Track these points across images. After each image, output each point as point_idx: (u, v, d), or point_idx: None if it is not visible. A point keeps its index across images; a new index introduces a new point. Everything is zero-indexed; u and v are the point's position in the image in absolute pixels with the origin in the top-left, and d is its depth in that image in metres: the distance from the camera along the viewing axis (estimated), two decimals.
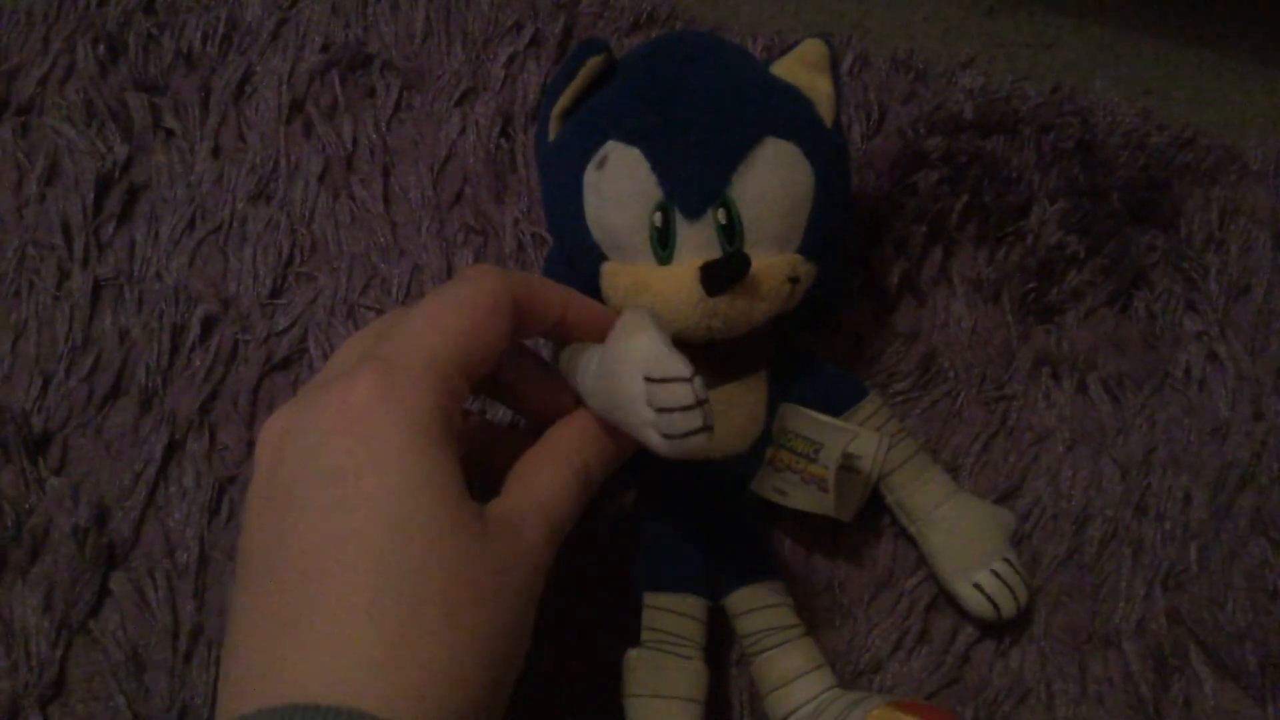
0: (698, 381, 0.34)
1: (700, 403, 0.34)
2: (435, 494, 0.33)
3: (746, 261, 0.41)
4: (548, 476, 0.37)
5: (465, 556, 0.33)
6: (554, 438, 0.39)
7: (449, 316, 0.36)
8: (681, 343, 0.44)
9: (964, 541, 0.48)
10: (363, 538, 0.31)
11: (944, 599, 0.50)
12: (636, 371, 0.35)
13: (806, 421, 0.46)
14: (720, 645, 0.48)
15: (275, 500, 0.34)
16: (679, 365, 0.34)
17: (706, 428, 0.34)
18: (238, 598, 0.34)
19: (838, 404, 0.49)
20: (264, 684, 0.30)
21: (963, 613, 0.49)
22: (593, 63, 0.45)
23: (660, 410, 0.34)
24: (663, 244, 0.43)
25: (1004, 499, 0.52)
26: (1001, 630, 0.49)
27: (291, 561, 0.32)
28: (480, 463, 0.39)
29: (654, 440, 0.35)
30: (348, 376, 0.34)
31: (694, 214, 0.43)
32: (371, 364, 0.34)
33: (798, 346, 0.50)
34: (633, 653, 0.45)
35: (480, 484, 0.37)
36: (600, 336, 0.43)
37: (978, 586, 0.47)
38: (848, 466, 0.46)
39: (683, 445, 0.35)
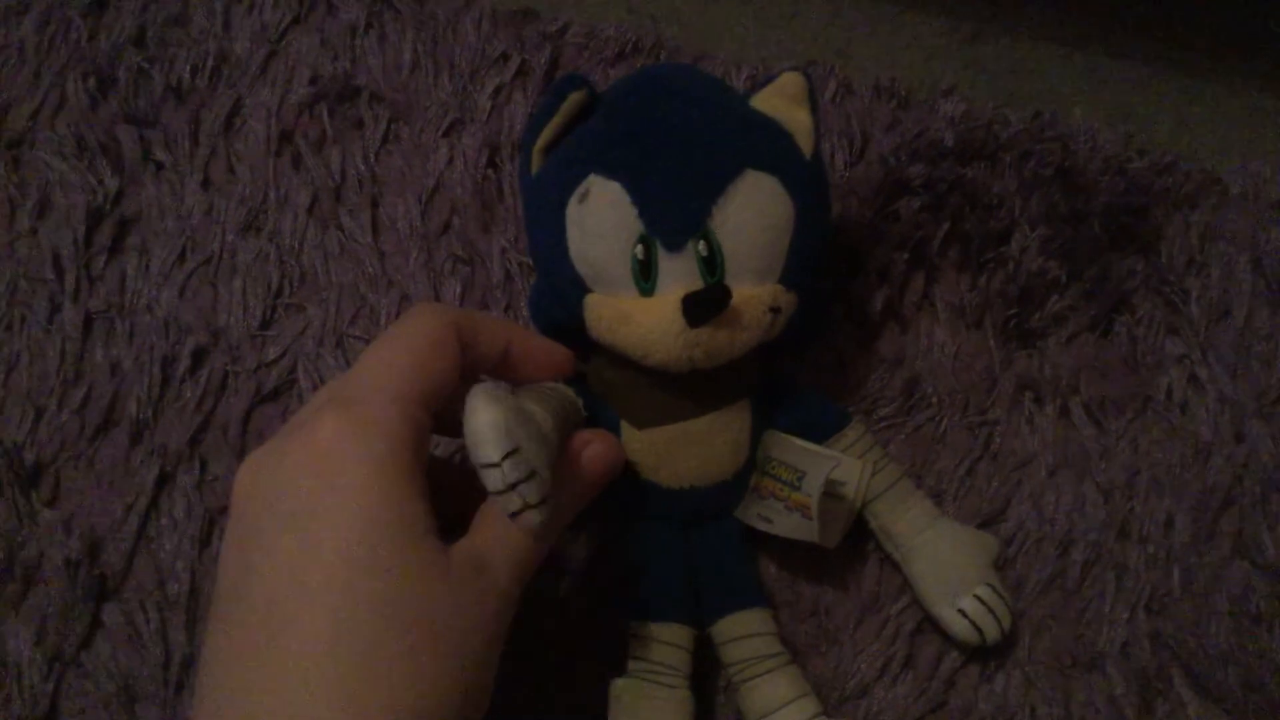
0: (509, 463, 0.34)
1: (512, 485, 0.34)
2: (398, 533, 0.33)
3: (727, 293, 0.42)
4: None
5: (429, 595, 0.33)
6: None
7: (398, 353, 0.37)
8: (665, 372, 0.45)
9: (948, 567, 0.48)
10: (324, 578, 0.32)
11: (929, 624, 0.50)
12: (473, 459, 0.35)
13: (790, 449, 0.47)
14: (706, 673, 0.48)
15: (244, 542, 0.35)
16: (489, 449, 0.34)
17: (528, 506, 0.35)
18: (207, 636, 0.34)
19: (821, 431, 0.49)
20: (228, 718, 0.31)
21: (948, 638, 0.49)
22: (573, 99, 0.46)
23: (491, 492, 0.35)
24: (645, 276, 0.44)
25: (987, 524, 0.53)
26: (986, 655, 0.50)
27: (256, 601, 0.33)
28: (450, 504, 0.40)
29: None
30: (312, 419, 0.35)
31: (675, 246, 0.43)
32: (333, 405, 0.35)
33: (781, 374, 0.50)
34: (618, 682, 0.46)
35: (451, 526, 0.37)
36: (544, 372, 0.43)
37: (962, 612, 0.47)
38: (832, 493, 0.46)
39: (518, 523, 0.36)
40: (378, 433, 0.34)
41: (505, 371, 0.43)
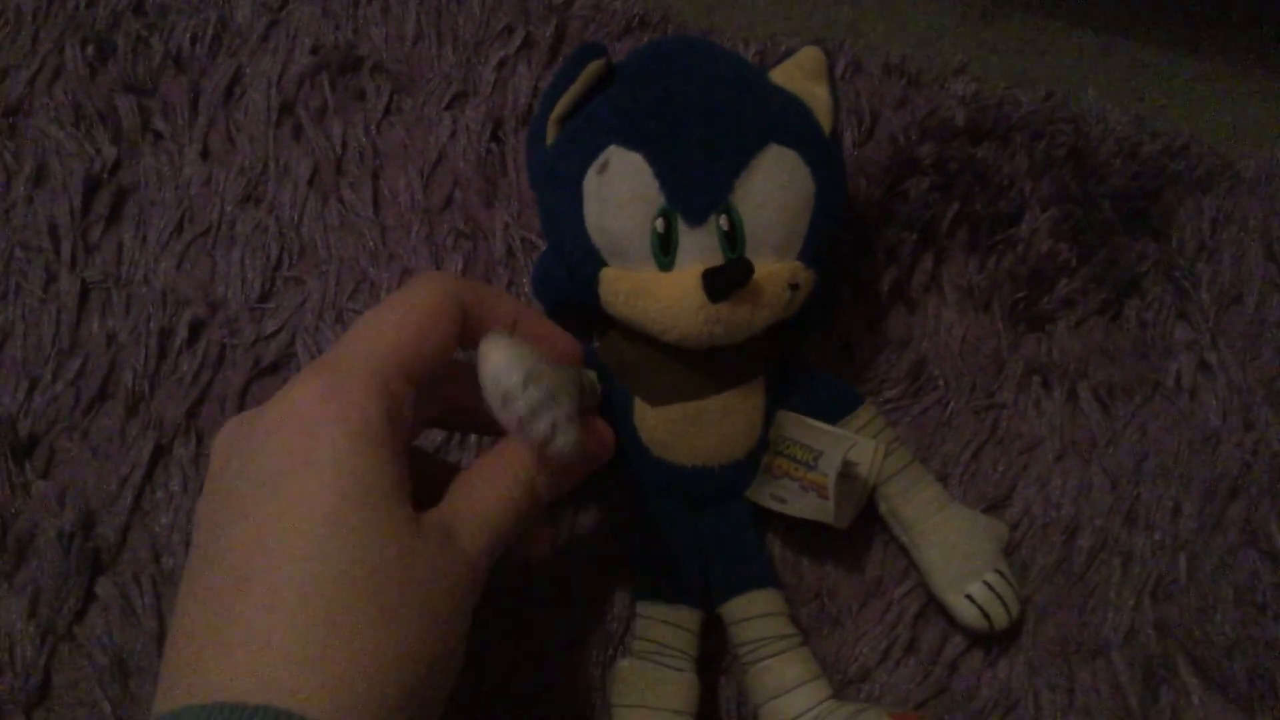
0: (532, 388, 0.34)
1: (534, 411, 0.34)
2: (369, 497, 0.33)
3: (749, 267, 0.41)
4: (489, 487, 0.37)
5: (398, 559, 0.33)
6: (500, 449, 0.39)
7: (390, 322, 0.37)
8: (681, 349, 0.44)
9: (956, 552, 0.48)
10: (292, 539, 0.32)
11: (933, 608, 0.50)
12: (492, 398, 0.34)
13: (806, 429, 0.46)
14: (708, 655, 0.48)
15: (217, 502, 0.34)
16: (508, 375, 0.34)
17: (558, 428, 0.34)
18: (177, 599, 0.34)
19: (834, 412, 0.49)
20: (192, 681, 0.31)
21: (951, 622, 0.49)
22: (592, 67, 0.45)
23: (520, 428, 0.34)
24: (664, 250, 0.43)
25: (993, 508, 0.52)
26: (989, 640, 0.49)
27: (224, 561, 0.32)
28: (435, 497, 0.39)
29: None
30: (292, 382, 0.35)
31: (697, 220, 0.43)
32: (313, 369, 0.35)
33: (794, 354, 0.50)
34: (624, 662, 0.45)
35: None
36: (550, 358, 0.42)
37: (970, 598, 0.47)
38: (846, 474, 0.46)
39: (552, 450, 0.35)
40: (352, 399, 0.34)
41: None
